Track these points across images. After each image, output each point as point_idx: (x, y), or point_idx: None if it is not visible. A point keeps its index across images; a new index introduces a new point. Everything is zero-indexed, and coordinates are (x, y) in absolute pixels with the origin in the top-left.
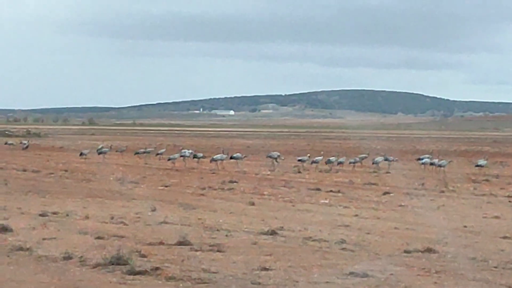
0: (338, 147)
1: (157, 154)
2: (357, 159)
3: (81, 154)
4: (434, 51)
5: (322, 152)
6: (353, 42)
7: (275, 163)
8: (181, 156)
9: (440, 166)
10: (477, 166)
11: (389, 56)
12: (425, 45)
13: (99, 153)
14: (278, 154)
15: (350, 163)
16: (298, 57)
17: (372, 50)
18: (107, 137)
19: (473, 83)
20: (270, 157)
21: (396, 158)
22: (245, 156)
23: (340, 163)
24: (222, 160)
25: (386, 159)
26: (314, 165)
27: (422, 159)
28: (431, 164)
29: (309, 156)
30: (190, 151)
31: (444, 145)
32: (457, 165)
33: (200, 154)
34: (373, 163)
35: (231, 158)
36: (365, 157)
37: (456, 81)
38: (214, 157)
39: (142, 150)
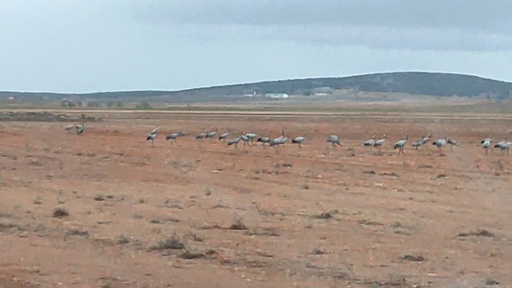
0: (392, 129)
1: (220, 137)
2: (420, 141)
3: (149, 138)
4: (489, 32)
5: (385, 135)
6: (407, 24)
7: (336, 146)
8: (242, 139)
9: (504, 148)
10: None
11: (443, 37)
12: (480, 26)
13: (168, 138)
14: (337, 137)
15: (413, 145)
16: (352, 40)
17: (426, 31)
18: (162, 120)
19: None
20: (330, 140)
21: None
22: (304, 137)
23: (398, 146)
24: (282, 143)
25: (449, 142)
26: (377, 147)
27: (485, 141)
28: (496, 146)
29: (374, 138)
30: (253, 134)
31: (500, 128)
32: None
33: (266, 138)
34: (437, 145)
35: (293, 141)
36: (428, 140)
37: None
38: (274, 140)
39: (203, 133)
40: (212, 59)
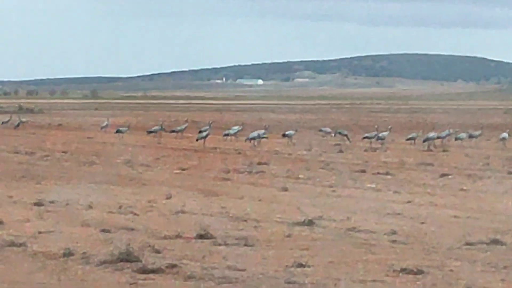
0: (387, 121)
1: (200, 131)
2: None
3: (118, 131)
4: (499, 6)
5: (389, 127)
6: None
7: (345, 141)
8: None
9: None
10: None
11: (446, 13)
12: (489, 0)
13: (149, 133)
14: (330, 130)
15: (423, 141)
16: (339, 16)
17: (427, 6)
18: (114, 112)
19: None
20: (340, 133)
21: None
22: (296, 131)
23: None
24: (260, 138)
25: (470, 136)
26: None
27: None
28: None
29: (377, 129)
30: (239, 127)
31: None
32: None
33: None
34: (455, 139)
35: (283, 135)
36: (449, 134)
37: None
38: (251, 135)
39: (179, 127)
40: (174, 39)
